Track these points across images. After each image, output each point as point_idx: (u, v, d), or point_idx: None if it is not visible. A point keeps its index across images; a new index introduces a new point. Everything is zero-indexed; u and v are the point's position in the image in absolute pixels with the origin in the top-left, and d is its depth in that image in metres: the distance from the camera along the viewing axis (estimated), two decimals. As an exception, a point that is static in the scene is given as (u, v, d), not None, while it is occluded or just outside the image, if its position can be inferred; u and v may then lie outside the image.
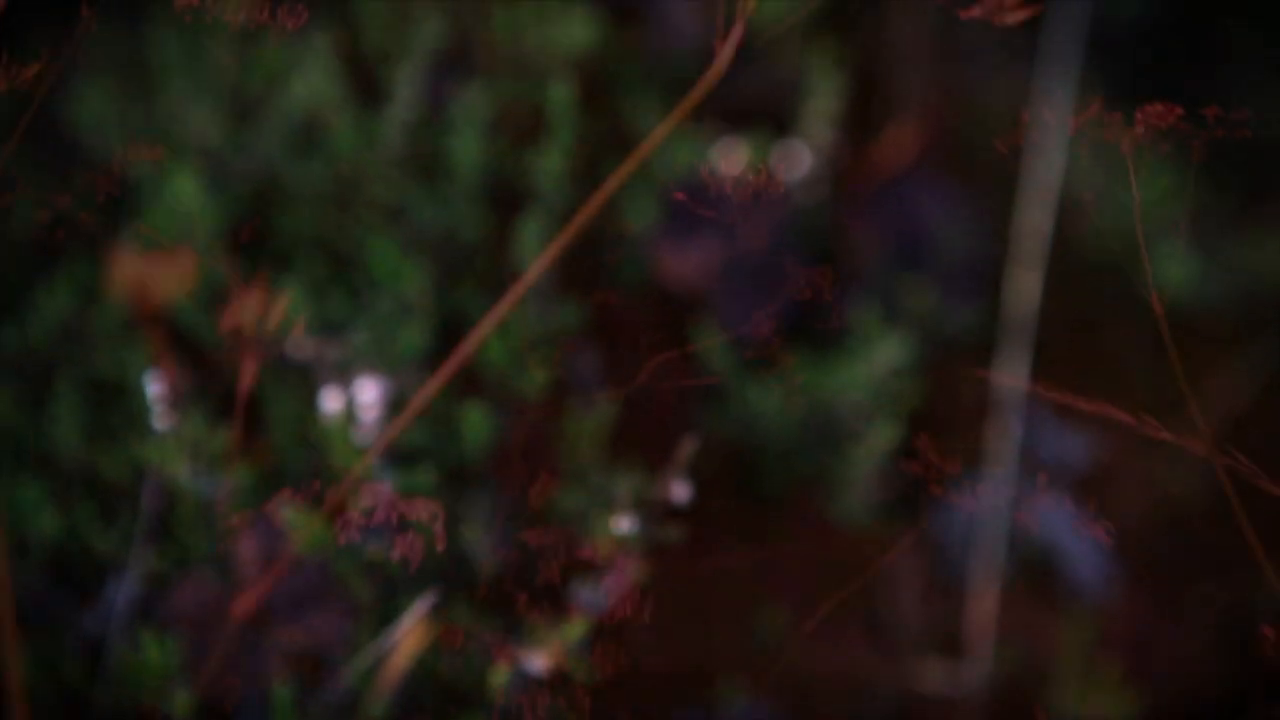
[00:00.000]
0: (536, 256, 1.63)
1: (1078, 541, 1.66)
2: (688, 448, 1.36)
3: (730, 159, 1.73)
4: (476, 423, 1.49)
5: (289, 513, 1.31)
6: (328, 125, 1.67)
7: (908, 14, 1.90)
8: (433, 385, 1.13)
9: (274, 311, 1.29)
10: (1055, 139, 1.59)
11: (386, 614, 1.38)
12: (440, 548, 1.12)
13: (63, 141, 1.68)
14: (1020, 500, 1.59)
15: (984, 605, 1.57)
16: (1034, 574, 1.67)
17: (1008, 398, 1.60)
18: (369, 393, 1.42)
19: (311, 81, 1.67)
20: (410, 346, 1.53)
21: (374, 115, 1.67)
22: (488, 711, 1.33)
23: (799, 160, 1.77)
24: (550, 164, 1.65)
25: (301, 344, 1.51)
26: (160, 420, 1.40)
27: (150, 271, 1.47)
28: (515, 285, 1.11)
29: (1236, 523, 1.06)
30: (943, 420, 1.69)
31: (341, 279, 1.61)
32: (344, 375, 1.48)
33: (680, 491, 1.37)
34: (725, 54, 0.99)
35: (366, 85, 1.70)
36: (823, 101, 1.77)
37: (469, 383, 1.55)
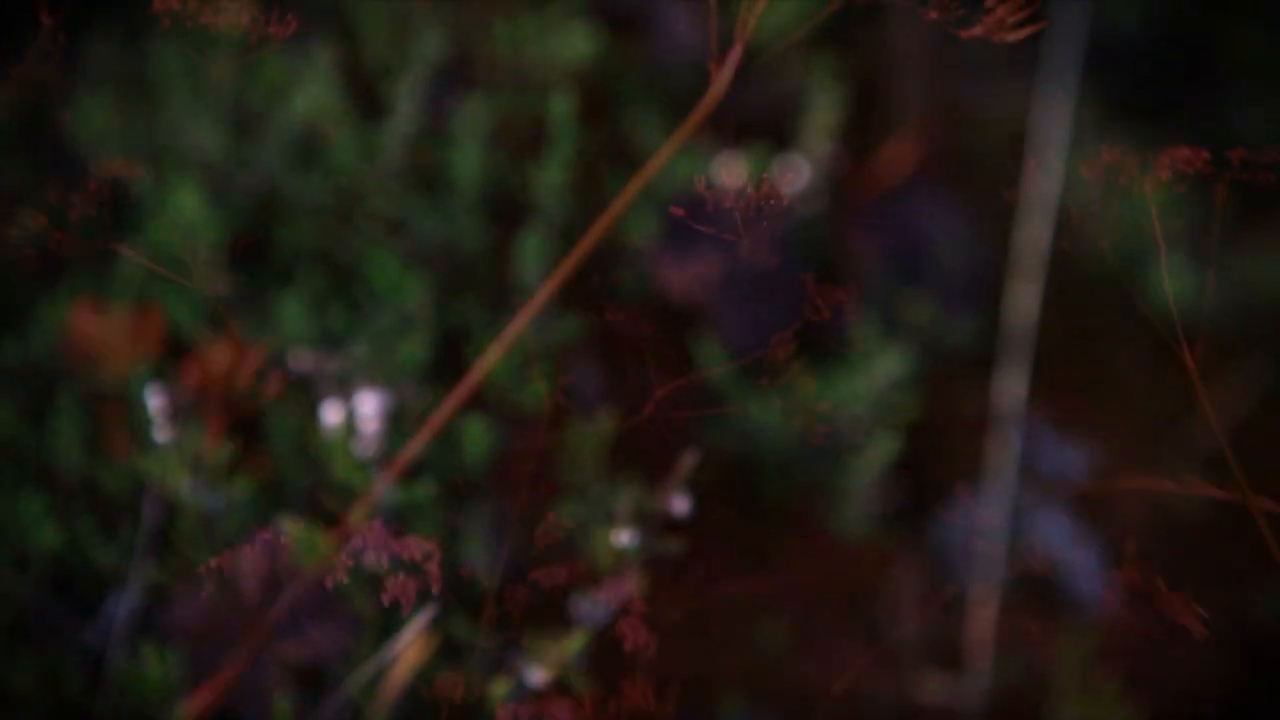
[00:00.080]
0: (540, 272, 1.63)
1: (1077, 554, 1.66)
2: (688, 461, 1.36)
3: (731, 173, 1.73)
4: (477, 436, 1.50)
5: (293, 530, 1.30)
6: (328, 138, 1.67)
7: (907, 28, 1.90)
8: (447, 407, 1.13)
9: (246, 365, 1.29)
10: (1055, 152, 1.59)
11: (387, 626, 1.38)
12: (436, 590, 1.10)
13: (65, 155, 1.68)
14: (1019, 512, 1.59)
15: (984, 617, 1.57)
16: (1033, 586, 1.66)
17: (1007, 410, 1.60)
18: (369, 405, 1.42)
19: (312, 94, 1.67)
20: (410, 359, 1.53)
21: (374, 128, 1.67)
22: (488, 724, 1.33)
23: (799, 174, 1.77)
24: (550, 177, 1.66)
25: (302, 357, 1.51)
26: (161, 433, 1.40)
27: (113, 332, 1.47)
28: (524, 305, 1.11)
29: (1238, 535, 1.07)
30: (942, 433, 1.69)
31: (342, 291, 1.61)
32: (344, 387, 1.48)
33: (680, 504, 1.37)
34: (724, 76, 0.99)
35: (367, 98, 1.70)
36: (823, 115, 1.77)
37: (470, 396, 1.55)
